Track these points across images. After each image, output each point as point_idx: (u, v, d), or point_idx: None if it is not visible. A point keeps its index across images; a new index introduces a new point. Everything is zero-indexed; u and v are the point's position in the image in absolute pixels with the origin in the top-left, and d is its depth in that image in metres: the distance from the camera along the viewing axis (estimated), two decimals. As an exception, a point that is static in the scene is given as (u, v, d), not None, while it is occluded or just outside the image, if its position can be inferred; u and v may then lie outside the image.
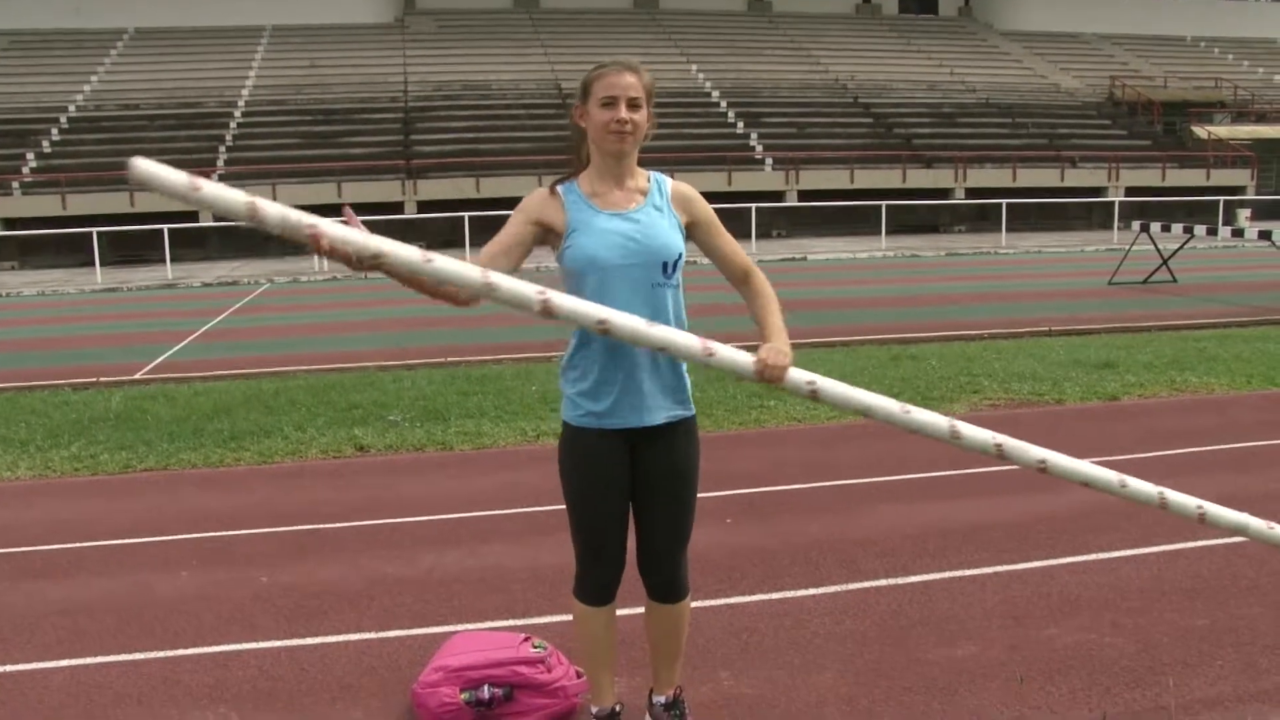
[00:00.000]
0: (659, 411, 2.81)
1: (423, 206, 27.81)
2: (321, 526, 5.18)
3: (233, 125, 31.14)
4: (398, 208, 27.63)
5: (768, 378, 2.55)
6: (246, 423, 7.43)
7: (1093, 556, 4.45)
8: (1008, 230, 26.67)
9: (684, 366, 2.85)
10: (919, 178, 30.58)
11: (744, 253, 2.93)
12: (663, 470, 2.86)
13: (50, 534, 5.19)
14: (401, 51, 36.99)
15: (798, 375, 2.59)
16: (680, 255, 2.78)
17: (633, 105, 2.70)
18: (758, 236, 26.27)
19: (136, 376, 9.64)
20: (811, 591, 4.16)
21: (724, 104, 33.97)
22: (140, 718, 3.29)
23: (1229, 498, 5.09)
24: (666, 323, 2.71)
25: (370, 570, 4.55)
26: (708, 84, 35.20)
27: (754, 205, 25.76)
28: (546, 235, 2.77)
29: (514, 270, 2.65)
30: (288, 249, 26.60)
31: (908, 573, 4.33)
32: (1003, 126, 34.37)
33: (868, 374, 8.52)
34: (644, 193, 2.80)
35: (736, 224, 25.13)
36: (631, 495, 2.88)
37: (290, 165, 28.30)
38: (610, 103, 2.68)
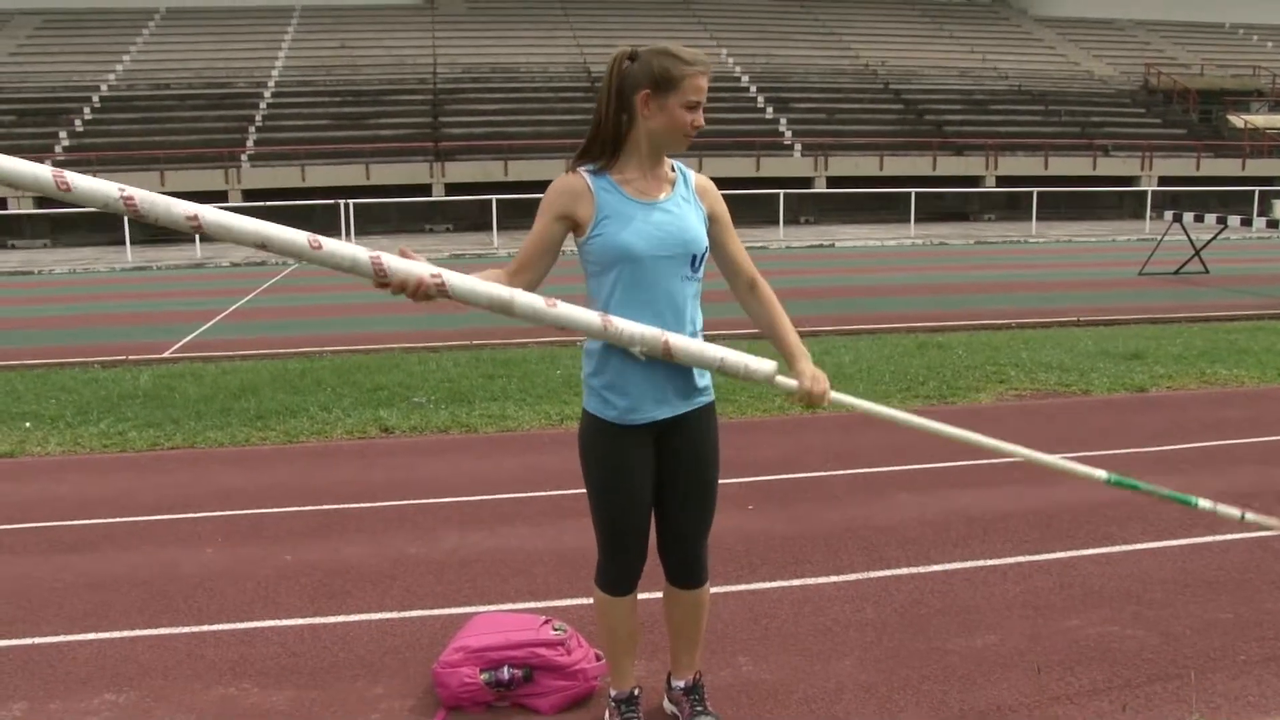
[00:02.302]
0: (681, 401, 2.77)
1: (450, 189, 27.89)
2: (346, 506, 5.22)
3: (262, 106, 31.31)
4: (425, 190, 27.72)
5: (813, 402, 2.69)
6: (273, 402, 7.50)
7: (1116, 548, 4.42)
8: (1038, 219, 26.45)
9: None
10: (949, 165, 30.37)
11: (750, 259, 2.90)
12: (687, 458, 2.83)
13: (79, 509, 5.27)
14: (431, 33, 37.05)
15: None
16: (706, 249, 2.73)
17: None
18: (785, 223, 26.16)
19: (165, 355, 9.74)
20: (832, 579, 4.16)
21: (753, 89, 33.83)
22: (164, 691, 3.34)
23: (1255, 492, 5.06)
24: (682, 321, 2.68)
25: (393, 550, 4.59)
26: (737, 68, 35.06)
27: (782, 191, 25.65)
28: (574, 227, 2.68)
29: (548, 270, 2.66)
30: (316, 231, 26.73)
31: (929, 561, 4.32)
32: (1035, 114, 34.07)
33: (893, 362, 8.48)
34: (671, 182, 2.74)
35: (764, 210, 25.09)
36: (654, 483, 2.85)
37: (319, 146, 28.45)
38: (696, 106, 2.62)
